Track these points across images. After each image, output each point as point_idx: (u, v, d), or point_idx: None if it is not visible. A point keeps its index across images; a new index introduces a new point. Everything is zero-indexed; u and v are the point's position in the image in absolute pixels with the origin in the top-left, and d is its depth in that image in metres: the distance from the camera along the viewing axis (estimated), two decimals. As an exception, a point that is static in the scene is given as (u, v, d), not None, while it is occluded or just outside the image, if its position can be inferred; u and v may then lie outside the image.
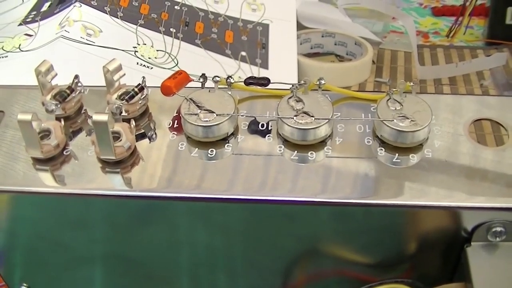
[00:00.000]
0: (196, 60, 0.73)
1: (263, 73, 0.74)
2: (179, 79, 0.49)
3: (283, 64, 0.76)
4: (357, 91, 0.52)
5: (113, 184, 0.47)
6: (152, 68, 0.70)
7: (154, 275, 0.53)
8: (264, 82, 0.49)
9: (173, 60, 0.72)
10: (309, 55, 0.81)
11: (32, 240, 0.51)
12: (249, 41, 0.77)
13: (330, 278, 0.52)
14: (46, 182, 0.47)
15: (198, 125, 0.47)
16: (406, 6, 0.96)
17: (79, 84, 0.51)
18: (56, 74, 0.50)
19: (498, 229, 0.45)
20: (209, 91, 0.49)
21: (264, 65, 0.75)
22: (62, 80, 0.51)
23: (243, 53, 0.76)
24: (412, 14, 0.94)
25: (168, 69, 0.71)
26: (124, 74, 0.50)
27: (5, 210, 0.49)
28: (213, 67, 0.73)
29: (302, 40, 0.81)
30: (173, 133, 0.49)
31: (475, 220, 0.45)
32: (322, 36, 0.82)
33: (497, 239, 0.46)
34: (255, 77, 0.49)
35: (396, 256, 0.49)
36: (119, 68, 0.49)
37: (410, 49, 0.81)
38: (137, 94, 0.49)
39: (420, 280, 0.50)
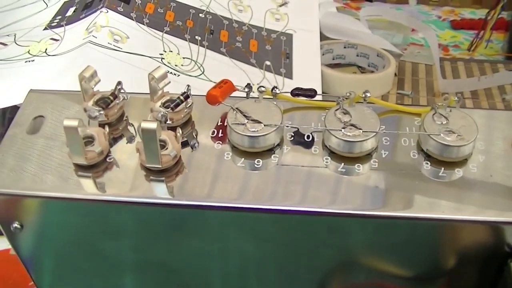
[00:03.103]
0: (221, 68, 0.73)
1: (287, 82, 0.74)
2: (224, 88, 0.48)
3: (307, 74, 0.76)
4: (401, 104, 0.52)
5: (157, 192, 0.46)
6: (179, 75, 0.70)
7: (190, 283, 0.52)
8: (311, 93, 0.49)
9: (199, 68, 0.72)
10: (331, 66, 0.81)
11: (67, 247, 0.51)
12: (273, 50, 0.77)
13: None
14: (87, 189, 0.47)
15: (245, 135, 0.47)
16: (424, 18, 0.97)
17: (122, 91, 0.50)
18: (100, 80, 0.50)
19: (543, 244, 0.45)
20: (255, 101, 0.49)
21: (289, 75, 0.75)
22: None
23: (268, 63, 0.76)
24: (431, 27, 0.94)
25: (195, 77, 0.71)
26: (169, 82, 0.49)
27: (43, 215, 0.48)
28: (239, 75, 0.73)
29: (324, 51, 0.81)
30: (218, 143, 0.49)
31: (518, 235, 0.45)
32: (344, 47, 0.82)
33: (540, 254, 0.46)
34: (302, 88, 0.49)
35: (434, 270, 0.49)
36: (165, 75, 0.49)
37: (431, 62, 0.81)
38: (182, 102, 0.49)
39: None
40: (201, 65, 0.72)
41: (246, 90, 0.49)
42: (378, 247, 0.48)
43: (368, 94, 0.48)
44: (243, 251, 0.49)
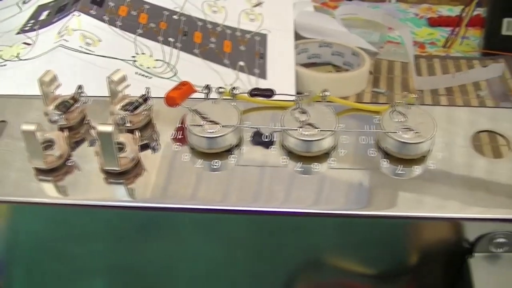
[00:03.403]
0: (194, 70, 0.73)
1: (261, 83, 0.74)
2: (183, 90, 0.49)
3: (281, 74, 0.76)
4: (360, 102, 0.52)
5: (117, 195, 0.47)
6: (151, 78, 0.70)
7: (156, 286, 0.52)
8: (268, 93, 0.49)
9: (171, 70, 0.72)
10: (306, 65, 0.81)
11: (33, 251, 0.51)
12: (247, 51, 0.77)
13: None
14: (48, 193, 0.47)
15: (202, 136, 0.47)
16: (402, 16, 0.97)
17: (83, 94, 0.50)
18: (60, 84, 0.50)
19: (501, 240, 0.45)
20: (213, 102, 0.49)
21: (262, 75, 0.75)
22: (61, 89, 0.51)
23: (241, 63, 0.76)
24: (408, 25, 0.94)
25: (167, 78, 0.71)
26: (129, 85, 0.50)
27: (6, 221, 0.48)
28: (212, 77, 0.73)
29: (299, 50, 0.81)
30: (177, 144, 0.49)
31: (477, 231, 0.46)
32: (320, 46, 0.82)
33: (500, 250, 0.46)
34: (259, 88, 0.50)
35: (398, 268, 0.49)
36: (123, 78, 0.49)
37: (407, 60, 0.81)
38: (141, 104, 0.49)
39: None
40: (174, 67, 0.72)
41: (205, 91, 0.49)
42: (338, 246, 0.48)
43: (327, 93, 0.49)
44: (205, 252, 0.49)
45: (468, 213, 0.45)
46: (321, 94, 0.48)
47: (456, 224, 0.45)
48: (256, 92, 0.49)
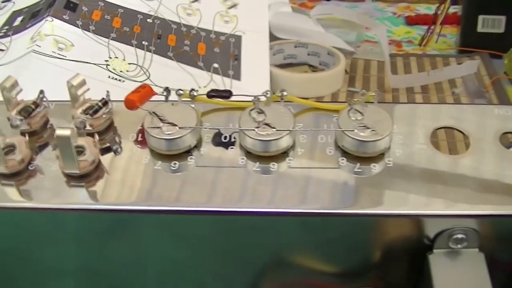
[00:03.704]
0: (168, 72, 0.74)
1: (235, 84, 0.75)
2: (142, 93, 0.49)
3: (255, 75, 0.76)
4: (323, 101, 0.53)
5: (78, 198, 0.47)
6: (124, 81, 0.70)
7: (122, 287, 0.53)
8: (226, 94, 0.49)
9: (145, 73, 0.72)
10: (282, 66, 0.81)
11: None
12: (222, 52, 0.78)
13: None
14: (11, 197, 0.47)
15: (160, 138, 0.47)
16: (380, 15, 0.97)
17: (44, 99, 0.51)
18: (21, 90, 0.51)
19: (459, 236, 0.46)
20: (172, 104, 0.49)
21: (237, 76, 0.75)
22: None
23: (216, 65, 0.76)
24: (386, 24, 0.95)
25: (140, 82, 0.71)
26: (89, 89, 0.50)
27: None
28: (186, 79, 0.73)
29: (275, 51, 0.82)
30: (138, 146, 0.49)
31: (436, 228, 0.46)
32: (295, 47, 0.83)
33: (459, 246, 0.46)
34: (217, 90, 0.50)
35: (361, 265, 0.49)
36: (83, 83, 0.50)
37: (383, 58, 0.81)
38: (101, 108, 0.49)
39: (386, 288, 0.50)
40: (147, 70, 0.73)
41: (165, 94, 0.50)
42: (301, 245, 0.49)
43: (285, 93, 0.49)
44: (170, 254, 0.50)
45: (427, 210, 0.45)
46: (279, 94, 0.48)
47: (415, 220, 0.46)
48: (213, 94, 0.49)
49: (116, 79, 0.70)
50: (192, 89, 0.49)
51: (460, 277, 0.46)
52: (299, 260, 0.49)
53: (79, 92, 0.49)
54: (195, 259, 0.50)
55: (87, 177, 0.47)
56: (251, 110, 0.48)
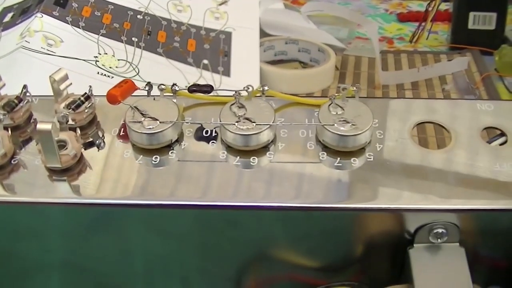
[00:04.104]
0: (157, 69, 0.74)
1: (225, 81, 0.75)
2: (124, 88, 0.49)
3: (245, 72, 0.76)
4: (305, 96, 0.53)
5: (60, 192, 0.47)
6: (113, 77, 0.70)
7: (107, 283, 0.53)
8: (207, 89, 0.49)
9: (134, 69, 0.72)
10: (273, 62, 0.82)
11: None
12: (212, 49, 0.78)
13: (280, 284, 0.52)
14: (-7, 191, 0.48)
15: (141, 132, 0.47)
16: (372, 12, 0.97)
17: (28, 94, 0.51)
18: (4, 84, 0.51)
19: (440, 230, 0.46)
20: (154, 99, 0.50)
21: (226, 72, 0.76)
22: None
23: (205, 61, 0.76)
24: (378, 20, 0.95)
25: (129, 78, 0.71)
26: (71, 84, 0.50)
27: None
28: (175, 75, 0.74)
29: (265, 48, 0.82)
30: (120, 141, 0.50)
31: (417, 222, 0.46)
32: (286, 43, 0.83)
33: (439, 240, 0.46)
34: (198, 84, 0.50)
35: (343, 260, 0.50)
36: (66, 77, 0.50)
37: (374, 55, 0.81)
38: (83, 103, 0.50)
39: (370, 283, 0.50)
40: (136, 66, 0.73)
41: (147, 88, 0.50)
42: (282, 239, 0.49)
43: (266, 88, 0.49)
44: (152, 248, 0.50)
45: (407, 204, 0.45)
46: (260, 89, 0.48)
47: (396, 215, 0.46)
48: (194, 88, 0.49)
49: (105, 75, 0.71)
50: (174, 84, 0.49)
51: (440, 271, 0.46)
52: (282, 255, 0.50)
53: (62, 86, 0.50)
54: (178, 254, 0.50)
55: (69, 171, 0.48)
56: (232, 104, 0.48)
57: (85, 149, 0.49)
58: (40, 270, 0.52)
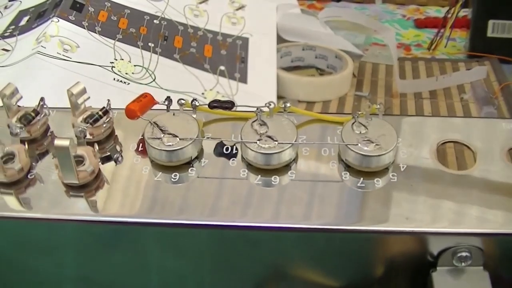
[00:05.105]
0: (174, 75, 0.73)
1: (241, 87, 0.74)
2: (143, 102, 0.48)
3: (262, 78, 0.75)
4: (324, 113, 0.52)
5: (77, 209, 0.46)
6: (129, 83, 0.70)
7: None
8: (228, 105, 0.49)
9: (150, 75, 0.72)
10: (289, 69, 0.81)
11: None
12: (228, 55, 0.77)
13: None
14: (10, 206, 0.47)
15: (161, 149, 0.47)
16: (389, 18, 0.96)
17: (45, 106, 0.50)
18: (22, 97, 0.50)
19: (464, 254, 0.45)
20: (174, 114, 0.49)
21: (243, 79, 0.75)
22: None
23: (222, 68, 0.75)
24: (395, 26, 0.94)
25: (145, 84, 0.71)
26: (89, 97, 0.50)
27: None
28: (191, 81, 0.73)
29: (282, 54, 0.81)
30: (138, 157, 0.49)
31: (440, 245, 0.45)
32: (303, 50, 0.82)
33: (463, 264, 0.45)
34: (219, 100, 0.49)
35: (364, 281, 0.49)
36: (84, 91, 0.49)
37: (392, 62, 0.81)
38: (101, 117, 0.49)
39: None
40: (153, 72, 0.72)
41: (166, 103, 0.49)
42: (301, 260, 0.48)
43: (288, 105, 0.48)
44: (170, 266, 0.49)
45: (431, 227, 0.44)
46: (282, 106, 0.47)
47: (419, 238, 0.45)
48: (215, 104, 0.49)
49: (121, 81, 0.70)
50: (194, 99, 0.49)
51: (462, 295, 0.45)
52: (301, 275, 0.49)
53: (80, 100, 0.49)
54: (196, 272, 0.49)
55: (87, 187, 0.47)
56: (253, 121, 0.47)
57: (102, 164, 0.48)
58: (54, 285, 0.52)
